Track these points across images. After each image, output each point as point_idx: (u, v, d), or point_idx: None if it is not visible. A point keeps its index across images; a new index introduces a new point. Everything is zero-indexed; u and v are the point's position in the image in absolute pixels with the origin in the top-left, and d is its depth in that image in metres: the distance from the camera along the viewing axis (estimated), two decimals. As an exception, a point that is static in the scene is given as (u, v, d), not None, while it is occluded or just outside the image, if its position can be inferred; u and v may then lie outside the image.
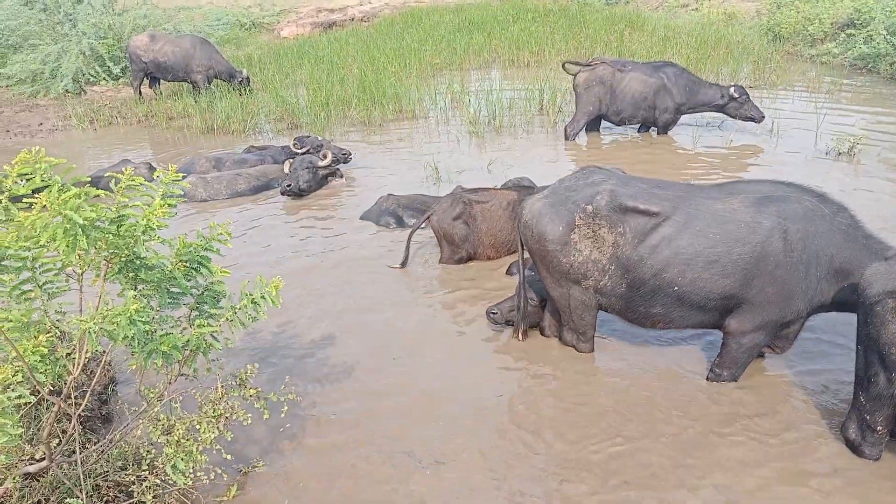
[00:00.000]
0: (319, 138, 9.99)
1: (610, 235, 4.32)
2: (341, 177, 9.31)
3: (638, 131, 11.08)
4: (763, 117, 10.19)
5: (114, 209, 3.07)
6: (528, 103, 12.87)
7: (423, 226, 6.85)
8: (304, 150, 9.54)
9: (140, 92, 15.09)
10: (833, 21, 16.16)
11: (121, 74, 16.36)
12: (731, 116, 10.36)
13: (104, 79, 16.23)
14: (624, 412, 4.42)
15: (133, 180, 3.12)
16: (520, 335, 5.15)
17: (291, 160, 9.20)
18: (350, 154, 9.88)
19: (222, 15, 26.96)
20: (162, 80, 15.36)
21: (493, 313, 5.30)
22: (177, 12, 20.84)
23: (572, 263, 4.45)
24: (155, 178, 3.13)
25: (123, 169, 3.21)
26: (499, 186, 7.09)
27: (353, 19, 30.68)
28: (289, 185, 8.65)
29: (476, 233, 6.59)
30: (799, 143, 9.97)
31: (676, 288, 4.27)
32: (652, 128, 10.89)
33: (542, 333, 5.24)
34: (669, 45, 17.15)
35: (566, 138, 10.80)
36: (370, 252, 7.21)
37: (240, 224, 8.16)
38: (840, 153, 9.06)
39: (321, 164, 9.00)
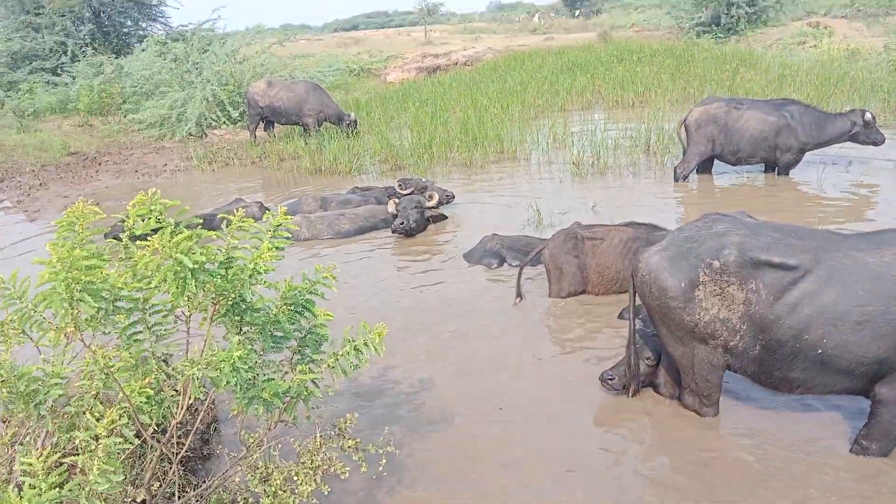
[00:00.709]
0: (424, 179, 10.04)
1: (740, 293, 3.92)
2: (445, 217, 9.26)
3: (764, 171, 10.44)
4: (885, 140, 9.78)
5: (223, 251, 3.05)
6: (635, 144, 12.48)
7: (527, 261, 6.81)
8: (408, 191, 9.59)
9: (255, 135, 15.89)
10: (977, 55, 14.78)
11: (239, 118, 17.34)
12: (858, 142, 9.84)
13: (224, 122, 17.25)
14: (753, 490, 3.94)
15: (243, 222, 3.10)
16: (630, 393, 4.76)
17: (397, 199, 9.26)
18: (453, 195, 9.86)
19: (333, 62, 28.26)
20: (276, 124, 16.11)
21: (610, 379, 4.83)
22: (292, 60, 22.04)
23: (697, 322, 4.06)
24: (264, 220, 3.10)
25: (235, 210, 3.21)
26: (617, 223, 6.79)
27: (456, 63, 31.33)
28: (402, 224, 8.71)
29: (586, 268, 6.40)
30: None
31: (820, 351, 3.79)
32: (771, 167, 10.26)
33: (657, 391, 4.83)
34: (786, 83, 16.27)
35: (676, 180, 10.33)
36: (474, 292, 7.03)
37: (342, 263, 8.24)
38: None
39: (428, 204, 9.02)
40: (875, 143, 9.74)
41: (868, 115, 9.53)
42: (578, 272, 6.42)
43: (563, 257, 6.40)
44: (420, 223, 8.98)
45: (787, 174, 10.00)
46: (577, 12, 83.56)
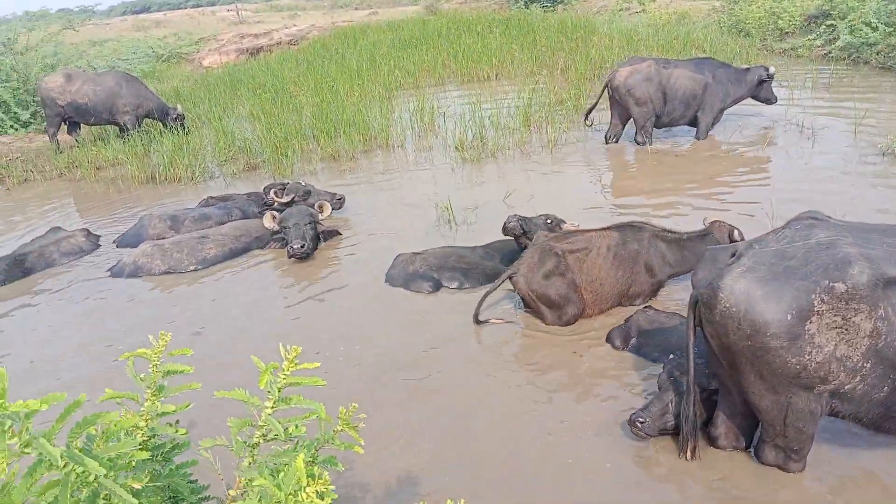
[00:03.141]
0: (303, 183, 8.26)
1: (868, 322, 2.94)
2: (338, 234, 7.64)
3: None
4: (777, 99, 10.06)
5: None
6: (514, 120, 11.52)
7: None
8: (289, 198, 7.81)
9: (57, 140, 12.88)
10: (801, 13, 15.65)
11: (31, 121, 14.08)
12: (759, 99, 9.92)
13: (12, 127, 13.90)
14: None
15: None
16: (689, 453, 3.67)
17: (274, 213, 7.43)
18: (343, 199, 8.24)
19: (137, 47, 24.66)
20: (83, 125, 13.19)
21: (641, 421, 3.79)
22: (90, 47, 18.59)
23: (806, 364, 3.03)
24: (275, 375, 1.51)
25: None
26: (597, 227, 5.54)
27: (279, 43, 28.81)
28: (301, 247, 6.86)
29: (575, 288, 5.15)
30: (836, 144, 8.98)
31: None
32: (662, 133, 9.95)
33: (715, 444, 3.78)
34: (636, 46, 16.24)
35: (641, 144, 9.76)
36: (422, 334, 5.45)
37: (229, 307, 6.37)
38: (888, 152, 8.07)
39: (321, 216, 7.32)
40: (769, 101, 9.81)
41: (772, 69, 9.60)
42: (573, 290, 5.13)
43: (548, 282, 5.05)
44: (316, 242, 7.29)
45: (706, 136, 9.70)
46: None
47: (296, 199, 7.85)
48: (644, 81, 9.23)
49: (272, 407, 1.49)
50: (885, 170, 7.88)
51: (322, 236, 7.41)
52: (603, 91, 9.76)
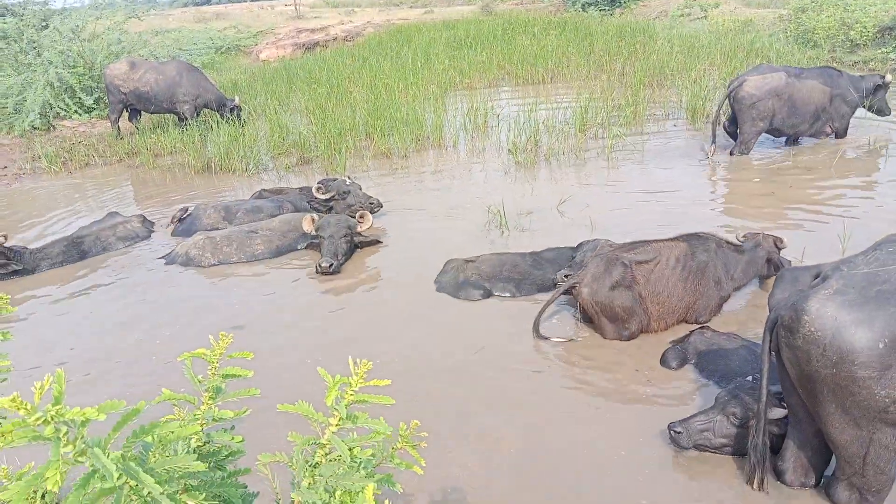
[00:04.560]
0: (347, 180, 8.21)
1: (966, 356, 2.71)
2: (378, 242, 7.46)
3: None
4: (890, 111, 9.64)
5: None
6: (569, 125, 11.30)
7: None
8: (328, 196, 7.77)
9: (118, 127, 13.18)
10: (875, 24, 14.98)
11: (94, 106, 14.45)
12: (872, 109, 9.49)
13: (76, 112, 14.28)
14: None
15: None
16: (756, 484, 3.47)
17: (314, 216, 7.32)
18: (380, 203, 8.12)
19: (198, 39, 25.15)
20: (143, 113, 13.48)
21: (677, 431, 3.78)
22: (153, 36, 19.00)
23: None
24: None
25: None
26: (662, 237, 5.28)
27: (335, 39, 29.09)
28: (330, 265, 6.62)
29: (641, 301, 4.94)
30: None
31: None
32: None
33: (781, 479, 3.56)
34: (697, 54, 15.81)
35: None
36: (473, 341, 5.31)
37: (272, 305, 6.34)
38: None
39: (360, 227, 7.16)
40: (881, 112, 9.48)
41: (889, 77, 9.20)
42: (635, 308, 4.93)
43: (614, 293, 4.85)
44: (350, 254, 7.13)
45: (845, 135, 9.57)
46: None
47: (336, 196, 7.80)
48: (772, 96, 8.79)
49: (337, 425, 1.39)
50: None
51: (360, 245, 7.28)
52: (724, 101, 9.29)
